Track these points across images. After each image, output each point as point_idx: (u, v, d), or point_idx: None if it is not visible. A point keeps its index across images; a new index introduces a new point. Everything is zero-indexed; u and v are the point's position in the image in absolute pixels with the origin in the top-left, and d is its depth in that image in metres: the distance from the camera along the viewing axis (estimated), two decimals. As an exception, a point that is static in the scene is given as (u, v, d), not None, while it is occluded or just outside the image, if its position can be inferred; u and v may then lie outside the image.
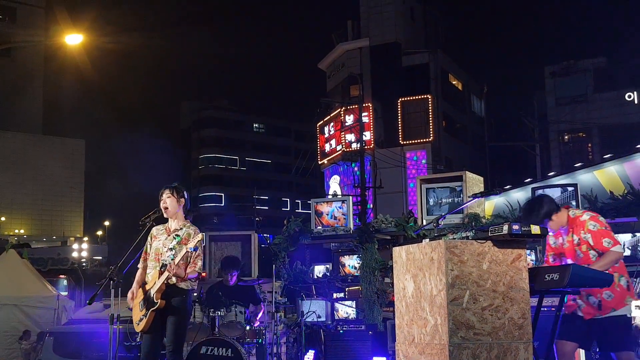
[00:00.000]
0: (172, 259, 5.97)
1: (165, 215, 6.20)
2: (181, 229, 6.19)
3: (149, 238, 6.26)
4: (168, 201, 6.14)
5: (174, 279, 5.97)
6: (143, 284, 6.16)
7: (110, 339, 5.76)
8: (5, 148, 43.98)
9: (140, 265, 6.25)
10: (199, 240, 5.94)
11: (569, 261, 5.28)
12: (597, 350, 5.54)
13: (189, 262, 6.04)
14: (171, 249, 6.05)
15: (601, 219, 5.27)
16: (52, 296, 12.26)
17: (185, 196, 6.27)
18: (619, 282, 5.14)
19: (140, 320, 6.01)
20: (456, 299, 4.36)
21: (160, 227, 6.28)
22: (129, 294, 6.13)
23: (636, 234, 8.40)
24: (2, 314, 11.47)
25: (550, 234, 5.44)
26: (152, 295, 5.95)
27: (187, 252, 5.93)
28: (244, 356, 7.44)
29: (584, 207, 8.14)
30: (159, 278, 5.96)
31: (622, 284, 5.16)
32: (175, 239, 6.11)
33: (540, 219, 5.23)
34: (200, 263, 6.08)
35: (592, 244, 5.16)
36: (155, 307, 5.89)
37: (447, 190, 8.86)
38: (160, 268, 6.01)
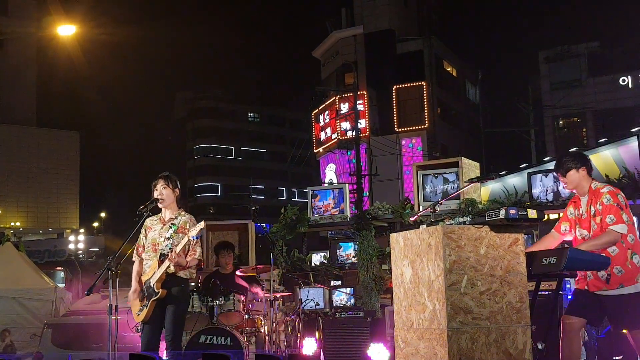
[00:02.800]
0: (170, 248, 5.97)
1: (160, 206, 6.19)
2: (176, 217, 6.19)
3: (142, 230, 6.25)
4: (164, 192, 6.14)
5: (172, 268, 5.97)
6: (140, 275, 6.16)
7: (109, 330, 5.76)
8: (0, 141, 43.85)
9: (135, 258, 6.24)
10: (201, 229, 5.95)
11: (584, 232, 5.25)
12: (598, 329, 5.52)
13: (188, 250, 6.04)
14: (168, 238, 6.05)
15: (619, 196, 5.20)
16: (50, 288, 12.25)
17: (179, 185, 6.29)
18: (631, 259, 5.07)
19: (141, 310, 6.02)
20: (454, 284, 4.37)
21: (153, 217, 6.27)
22: (132, 294, 6.11)
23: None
24: (0, 307, 11.46)
25: (569, 207, 5.46)
26: (152, 285, 5.96)
27: (188, 240, 5.94)
28: (243, 344, 7.46)
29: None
30: (158, 268, 5.96)
31: (635, 262, 5.07)
32: (171, 228, 6.11)
33: (560, 167, 5.37)
34: (199, 250, 6.09)
35: (602, 217, 5.14)
36: (156, 297, 5.90)
37: (441, 179, 8.87)
38: (160, 257, 6.01)
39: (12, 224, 44.04)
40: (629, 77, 31.13)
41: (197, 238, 6.01)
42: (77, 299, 15.35)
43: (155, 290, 5.91)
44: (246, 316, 7.90)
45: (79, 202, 49.41)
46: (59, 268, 22.16)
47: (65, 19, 20.26)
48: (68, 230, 46.11)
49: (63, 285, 19.09)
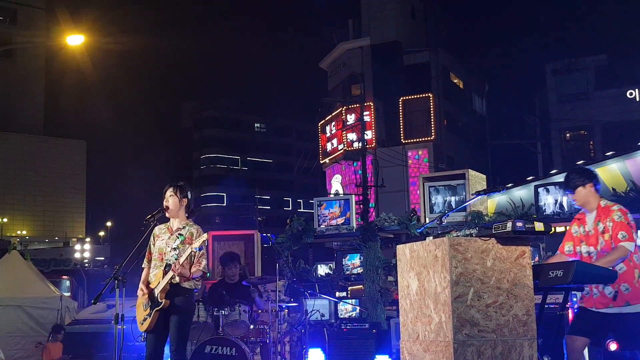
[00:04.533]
0: (175, 259, 5.97)
1: (166, 214, 6.19)
2: (184, 227, 6.17)
3: (151, 237, 6.25)
4: (170, 200, 6.13)
5: (177, 279, 5.97)
6: (148, 283, 6.16)
7: (116, 339, 5.76)
8: (8, 149, 44.03)
9: (145, 265, 6.26)
10: (204, 240, 5.93)
11: (590, 249, 5.24)
12: (602, 347, 5.45)
13: (193, 261, 6.04)
14: (175, 249, 6.05)
15: (629, 215, 5.24)
16: (56, 297, 12.26)
17: (189, 196, 6.23)
18: (638, 278, 5.08)
19: (145, 319, 6.02)
20: (460, 296, 4.36)
21: (162, 226, 6.26)
22: (139, 292, 6.14)
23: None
24: (6, 315, 11.47)
25: (573, 226, 5.46)
26: (156, 295, 5.96)
27: (192, 251, 5.94)
28: (248, 355, 7.45)
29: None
30: (163, 278, 5.96)
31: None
32: (178, 238, 6.10)
33: (569, 184, 5.39)
34: (204, 262, 6.08)
35: (612, 233, 5.14)
36: (159, 307, 5.90)
37: (449, 189, 8.88)
38: (165, 268, 6.01)
39: (19, 232, 44.13)
40: (637, 90, 31.10)
41: (200, 250, 6.00)
42: (83, 307, 15.37)
43: (159, 300, 5.92)
44: (252, 326, 7.90)
45: (85, 210, 49.51)
46: (65, 277, 22.21)
47: (73, 29, 20.37)
48: (74, 239, 46.17)
49: (69, 294, 19.10)
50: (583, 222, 5.39)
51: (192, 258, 6.02)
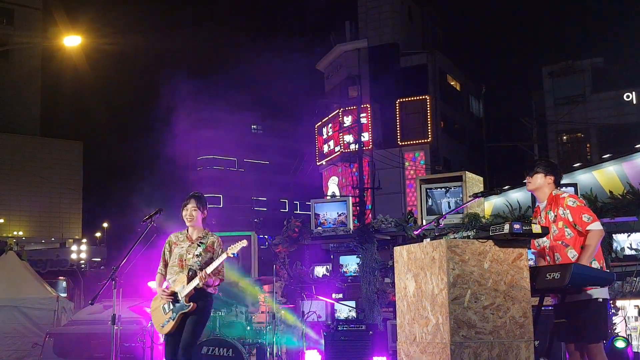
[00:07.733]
0: (199, 265, 6.09)
1: (187, 224, 6.33)
2: (204, 237, 6.35)
3: (167, 245, 6.42)
4: (194, 214, 6.32)
5: (201, 284, 6.06)
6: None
7: (112, 340, 5.77)
8: (4, 150, 43.96)
9: (160, 271, 6.34)
10: (242, 247, 6.12)
11: (543, 238, 5.16)
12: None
13: (219, 268, 6.16)
14: (197, 255, 6.19)
15: (580, 198, 5.33)
16: (52, 297, 12.26)
17: (207, 205, 6.47)
18: (590, 264, 5.05)
19: (167, 322, 6.07)
20: (458, 298, 4.37)
21: (179, 234, 6.41)
22: (162, 294, 6.16)
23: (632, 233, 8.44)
24: (2, 316, 11.46)
25: (533, 218, 5.51)
26: (181, 299, 6.03)
27: (227, 257, 6.06)
28: (245, 356, 7.46)
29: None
30: (187, 283, 6.04)
31: (594, 267, 5.04)
32: (200, 246, 6.26)
33: (531, 168, 5.44)
34: (224, 270, 6.23)
35: (570, 219, 5.12)
36: (186, 310, 5.99)
37: (446, 191, 8.89)
38: (189, 273, 6.08)
39: (15, 233, 44.03)
40: (633, 93, 31.11)
41: (237, 256, 6.17)
42: (79, 308, 15.36)
43: (185, 304, 6.00)
44: (248, 328, 7.90)
45: (81, 211, 49.43)
46: (61, 277, 22.19)
47: (70, 30, 20.34)
48: (70, 240, 46.09)
49: (65, 294, 19.09)
50: (538, 214, 5.42)
51: (221, 266, 6.15)
